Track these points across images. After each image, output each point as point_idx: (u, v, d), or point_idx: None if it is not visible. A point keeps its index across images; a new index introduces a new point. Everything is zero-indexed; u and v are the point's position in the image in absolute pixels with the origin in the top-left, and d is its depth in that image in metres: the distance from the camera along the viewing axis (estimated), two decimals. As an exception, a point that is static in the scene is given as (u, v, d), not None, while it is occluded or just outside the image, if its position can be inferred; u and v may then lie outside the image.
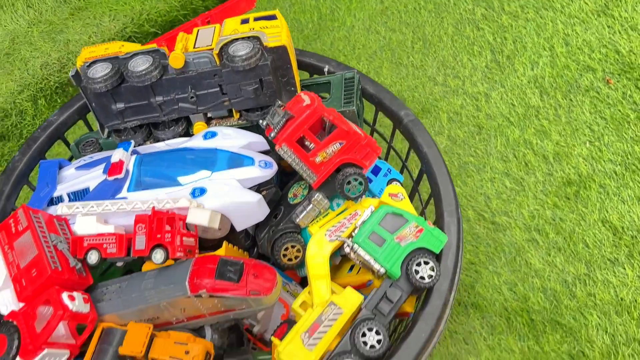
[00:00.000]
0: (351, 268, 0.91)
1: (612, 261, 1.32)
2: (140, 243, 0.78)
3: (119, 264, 0.85)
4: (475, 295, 1.29)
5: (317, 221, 0.88)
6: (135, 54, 0.90)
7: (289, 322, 0.94)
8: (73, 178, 0.94)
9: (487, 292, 1.29)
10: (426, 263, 0.77)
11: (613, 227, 1.36)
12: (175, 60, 0.88)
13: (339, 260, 0.91)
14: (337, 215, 0.88)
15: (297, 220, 0.87)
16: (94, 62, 0.91)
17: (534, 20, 1.81)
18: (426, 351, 0.78)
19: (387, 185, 0.96)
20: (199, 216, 0.80)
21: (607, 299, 1.27)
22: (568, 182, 1.44)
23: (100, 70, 0.89)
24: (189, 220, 0.80)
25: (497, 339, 1.24)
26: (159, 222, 0.79)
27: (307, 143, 0.84)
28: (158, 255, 0.77)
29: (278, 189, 0.95)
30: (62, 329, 0.75)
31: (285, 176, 1.03)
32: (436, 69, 1.73)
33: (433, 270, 0.77)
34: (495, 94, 1.64)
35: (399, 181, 0.97)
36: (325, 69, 1.06)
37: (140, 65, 0.89)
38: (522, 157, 1.50)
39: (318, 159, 0.84)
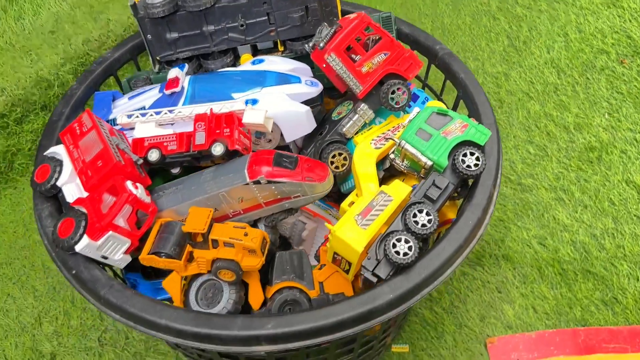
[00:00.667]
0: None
1: (639, 217, 1.35)
2: (200, 138, 0.83)
3: (175, 170, 0.89)
4: (505, 248, 1.31)
5: (361, 133, 0.92)
6: (190, -17, 0.97)
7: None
8: (128, 105, 0.99)
9: (517, 245, 1.31)
10: (472, 154, 0.81)
11: (637, 187, 1.39)
12: (228, -14, 0.94)
13: (382, 176, 0.95)
14: (380, 129, 0.92)
15: (343, 129, 0.91)
16: (151, -6, 0.97)
17: (546, 12, 1.90)
18: (474, 238, 0.80)
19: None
20: (255, 116, 0.84)
21: (637, 251, 1.29)
22: (590, 148, 1.49)
23: (158, -3, 0.96)
24: (244, 119, 0.84)
25: (529, 287, 1.25)
26: (217, 120, 0.84)
27: (353, 56, 0.90)
28: (218, 148, 0.81)
29: (324, 106, 0.99)
30: (125, 212, 0.78)
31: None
32: (456, 52, 1.79)
33: (479, 160, 0.80)
34: (514, 73, 1.70)
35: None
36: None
37: (196, -9, 0.95)
38: (544, 127, 1.55)
39: (364, 69, 0.89)
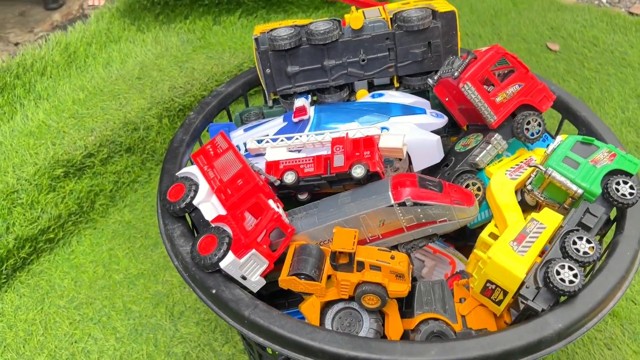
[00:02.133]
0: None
1: None
2: (339, 160, 0.80)
3: (303, 197, 0.86)
4: (609, 304, 1.24)
5: (493, 164, 0.90)
6: (315, 20, 0.99)
7: (462, 272, 0.92)
8: (244, 137, 0.98)
9: (622, 301, 1.25)
10: (625, 182, 0.77)
11: None
12: (356, 20, 0.96)
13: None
14: (512, 160, 0.90)
15: (476, 159, 0.88)
16: (275, 28, 0.99)
17: (615, 75, 1.92)
18: (632, 270, 0.76)
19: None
20: (392, 140, 0.82)
21: None
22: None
23: (284, 31, 0.97)
24: (381, 144, 0.83)
25: (641, 345, 1.17)
26: (355, 143, 0.82)
27: (485, 86, 0.89)
28: (359, 170, 0.79)
29: (448, 139, 0.98)
30: (263, 235, 0.75)
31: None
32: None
33: (633, 188, 0.77)
34: (592, 131, 1.69)
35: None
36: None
37: (322, 26, 0.97)
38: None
39: (498, 99, 0.88)
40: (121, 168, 1.50)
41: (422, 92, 1.01)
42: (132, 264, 1.37)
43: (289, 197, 0.88)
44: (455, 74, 0.87)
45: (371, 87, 1.04)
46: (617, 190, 0.77)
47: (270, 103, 1.05)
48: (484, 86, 0.89)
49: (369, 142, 0.82)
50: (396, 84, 1.03)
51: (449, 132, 1.03)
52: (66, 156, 1.38)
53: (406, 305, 0.80)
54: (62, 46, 1.57)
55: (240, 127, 1.03)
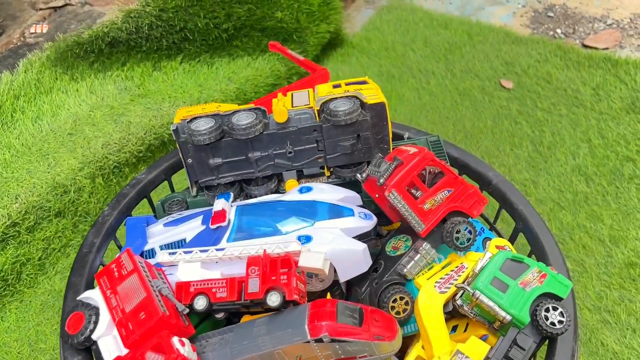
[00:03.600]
0: (453, 329, 0.87)
1: (693, 343, 1.27)
2: (253, 285, 0.75)
3: (220, 316, 0.81)
4: (554, 379, 1.21)
5: (422, 274, 0.85)
6: (238, 111, 0.93)
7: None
8: (162, 233, 0.92)
9: (567, 375, 1.22)
10: (555, 309, 0.74)
11: (687, 309, 1.33)
12: (280, 114, 0.90)
13: (443, 319, 0.87)
14: (442, 268, 0.85)
15: (404, 270, 0.84)
16: (196, 118, 0.92)
17: (567, 116, 1.90)
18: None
19: (482, 243, 0.95)
20: (312, 259, 0.77)
21: (696, 383, 1.20)
22: (630, 264, 1.43)
23: (204, 124, 0.90)
24: (301, 263, 0.77)
25: None
26: (272, 264, 0.76)
27: (413, 191, 0.84)
28: (274, 297, 0.73)
29: (378, 241, 0.93)
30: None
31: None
32: (480, 157, 1.77)
33: (563, 315, 0.73)
34: (542, 180, 1.67)
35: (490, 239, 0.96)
36: (406, 136, 1.09)
37: (244, 119, 0.90)
38: (579, 240, 1.50)
39: (426, 206, 0.83)
40: (51, 234, 1.41)
41: (353, 183, 0.96)
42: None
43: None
44: (381, 180, 0.82)
45: (301, 176, 0.98)
46: (547, 318, 0.73)
47: (194, 192, 0.99)
48: (412, 190, 0.84)
49: (286, 263, 0.76)
50: (327, 173, 0.97)
51: (382, 222, 0.98)
52: (-14, 228, 1.29)
53: None
54: (-14, 101, 1.48)
55: (160, 220, 0.96)
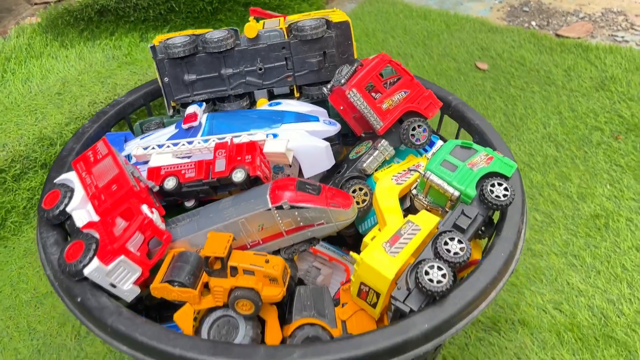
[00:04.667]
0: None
1: (654, 282, 1.31)
2: (220, 165, 0.80)
3: (190, 204, 0.85)
4: (521, 313, 1.25)
5: (381, 170, 0.90)
6: (212, 30, 0.99)
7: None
8: (137, 145, 0.97)
9: (533, 310, 1.26)
10: (500, 184, 0.79)
11: (648, 253, 1.37)
12: (250, 29, 0.96)
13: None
14: (400, 166, 0.91)
15: (364, 165, 0.89)
16: (172, 37, 0.99)
17: (539, 93, 1.97)
18: (507, 271, 0.76)
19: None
20: (276, 145, 0.82)
21: (656, 316, 1.24)
22: (595, 215, 1.48)
23: (180, 39, 0.97)
24: (266, 149, 0.82)
25: (550, 353, 1.18)
26: (238, 148, 0.81)
27: (373, 94, 0.90)
28: (239, 174, 0.78)
29: (341, 146, 0.98)
30: (137, 240, 0.73)
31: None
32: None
33: (507, 190, 0.78)
34: (514, 146, 1.73)
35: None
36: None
37: (217, 34, 0.97)
38: (548, 196, 1.55)
39: (384, 106, 0.89)
40: (36, 184, 1.45)
41: (321, 102, 1.02)
42: (41, 283, 1.32)
43: (176, 205, 0.87)
44: (342, 81, 0.88)
45: (272, 97, 1.04)
46: (492, 192, 0.78)
47: (170, 112, 1.04)
48: (372, 94, 0.90)
49: (251, 147, 0.81)
50: (296, 94, 1.03)
51: (348, 142, 1.03)
52: (-27, 172, 1.33)
53: (288, 312, 0.79)
54: (-21, 62, 1.54)
55: (137, 137, 1.01)
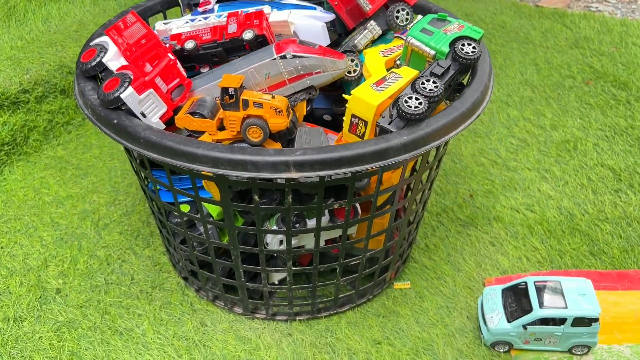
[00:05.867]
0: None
1: (616, 190, 1.46)
2: (232, 28, 0.94)
3: (205, 70, 0.99)
4: (496, 212, 1.40)
5: (370, 48, 1.05)
6: None
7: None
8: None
9: (507, 210, 1.40)
10: (469, 44, 0.93)
11: (612, 169, 1.52)
12: None
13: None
14: (387, 45, 1.05)
15: (355, 42, 1.03)
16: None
17: (518, 49, 2.14)
18: (475, 113, 0.91)
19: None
20: (280, 14, 0.97)
21: (617, 214, 1.38)
22: (566, 140, 1.63)
23: None
24: (270, 19, 0.97)
25: (521, 241, 1.32)
26: (247, 15, 0.96)
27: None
28: (249, 34, 0.93)
29: (335, 33, 1.12)
30: (163, 85, 0.87)
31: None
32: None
33: (475, 48, 0.93)
34: (493, 89, 1.88)
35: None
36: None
37: None
38: (523, 127, 1.70)
39: (373, -8, 1.04)
40: (55, 108, 1.59)
41: (319, 3, 1.16)
42: (61, 189, 1.45)
43: (193, 71, 1.01)
44: (336, -29, 1.03)
45: (275, 3, 1.19)
46: (462, 49, 0.93)
47: (184, 14, 1.18)
48: (362, -16, 1.04)
49: (259, 14, 0.96)
50: (297, -4, 1.18)
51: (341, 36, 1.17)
52: (1, 89, 1.47)
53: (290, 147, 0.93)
54: (1, 1, 1.68)
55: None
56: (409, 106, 0.84)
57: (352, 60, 1.02)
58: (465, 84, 0.99)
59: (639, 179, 1.48)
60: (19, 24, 1.69)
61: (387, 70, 1.01)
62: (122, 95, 0.83)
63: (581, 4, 2.60)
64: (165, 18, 1.26)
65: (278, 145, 0.91)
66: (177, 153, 0.80)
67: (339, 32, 1.15)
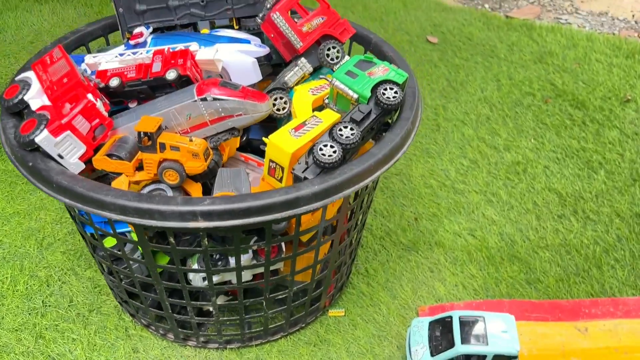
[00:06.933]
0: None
1: (560, 216, 1.48)
2: (156, 67, 0.94)
3: (133, 105, 1.00)
4: (439, 237, 1.41)
5: (300, 85, 1.06)
6: (160, -36, 1.14)
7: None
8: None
9: (449, 235, 1.42)
10: (391, 89, 0.94)
11: (558, 193, 1.54)
12: (193, -36, 1.12)
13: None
14: (317, 82, 1.06)
15: (285, 79, 1.04)
16: (126, -28, 1.14)
17: (482, 63, 2.15)
18: (392, 159, 0.92)
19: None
20: (206, 52, 0.97)
21: (557, 242, 1.41)
22: (517, 162, 1.65)
23: (132, -27, 1.12)
24: (197, 56, 0.97)
25: (459, 268, 1.34)
26: (173, 54, 0.96)
27: (295, 20, 1.05)
28: (172, 74, 0.93)
29: (269, 67, 1.13)
30: (84, 125, 0.88)
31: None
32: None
33: (397, 93, 0.94)
34: (452, 105, 1.89)
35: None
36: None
37: (164, -32, 1.12)
38: (476, 147, 1.72)
39: (305, 29, 1.04)
40: (7, 121, 1.58)
41: (258, 34, 1.17)
42: (8, 205, 1.46)
43: (122, 106, 1.02)
44: (268, 5, 1.04)
45: (213, 28, 1.19)
46: (384, 94, 0.94)
47: (125, 40, 1.18)
48: (294, 19, 1.05)
49: (184, 53, 0.96)
50: (235, 26, 1.18)
51: (277, 72, 1.18)
52: (-51, 103, 1.46)
53: (211, 188, 0.94)
54: (-43, 10, 1.67)
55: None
56: (323, 154, 0.85)
57: (282, 98, 1.03)
58: (391, 122, 1.00)
59: (582, 205, 1.50)
60: (-27, 34, 1.68)
61: (315, 109, 1.02)
62: (36, 139, 0.84)
63: (552, 15, 2.61)
64: (107, 42, 1.26)
65: (198, 187, 0.92)
66: (87, 200, 0.80)
67: (278, 62, 1.15)
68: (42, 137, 0.84)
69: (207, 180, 0.94)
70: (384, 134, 1.00)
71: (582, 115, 1.84)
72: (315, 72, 1.09)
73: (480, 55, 2.20)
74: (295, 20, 1.05)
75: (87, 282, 1.27)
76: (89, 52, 1.22)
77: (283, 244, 1.00)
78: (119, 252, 0.95)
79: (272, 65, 1.16)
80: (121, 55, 1.02)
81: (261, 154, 1.15)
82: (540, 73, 2.08)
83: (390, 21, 2.42)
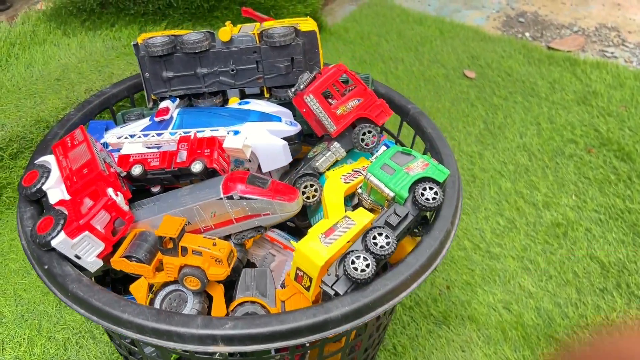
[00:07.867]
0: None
1: (601, 289, 1.39)
2: (182, 156, 0.89)
3: (156, 189, 0.95)
4: (471, 310, 1.34)
5: (333, 170, 0.99)
6: (190, 32, 1.08)
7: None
8: (115, 134, 1.07)
9: (483, 308, 1.34)
10: (431, 189, 0.87)
11: (600, 262, 1.45)
12: (224, 33, 1.05)
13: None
14: (350, 167, 0.99)
15: (316, 164, 0.98)
16: (153, 37, 1.08)
17: (521, 103, 2.05)
18: (430, 266, 0.85)
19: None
20: (234, 141, 0.91)
21: (599, 321, 1.32)
22: (557, 224, 1.56)
23: (159, 39, 1.06)
24: (225, 144, 0.91)
25: (493, 348, 1.27)
26: (199, 142, 0.91)
27: (329, 100, 0.99)
28: (197, 166, 0.88)
29: (300, 145, 1.07)
30: (103, 218, 0.83)
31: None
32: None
33: (437, 194, 0.87)
34: (488, 153, 1.81)
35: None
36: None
37: (193, 37, 1.06)
38: (514, 203, 1.63)
39: (339, 112, 0.97)
40: (31, 163, 1.55)
41: (288, 103, 1.10)
42: (29, 255, 1.42)
43: (145, 190, 0.97)
44: (302, 86, 0.97)
45: (243, 96, 1.13)
46: (422, 195, 0.87)
47: (150, 105, 1.13)
48: (328, 100, 0.98)
49: (211, 142, 0.91)
50: (266, 94, 1.12)
51: (312, 141, 1.12)
52: (-27, 148, 1.44)
53: (234, 290, 0.88)
54: (-15, 45, 1.64)
55: (118, 126, 1.11)
56: (355, 268, 0.79)
57: (312, 186, 0.96)
58: (428, 217, 0.93)
59: (627, 278, 1.41)
60: (0, 70, 1.65)
61: (347, 197, 0.96)
62: (53, 242, 0.79)
63: (596, 47, 2.48)
64: (132, 102, 1.22)
65: (220, 288, 0.86)
66: (103, 314, 0.76)
67: (309, 133, 1.09)
68: (59, 241, 0.79)
69: (229, 280, 0.88)
70: (419, 228, 0.93)
71: (628, 169, 1.73)
72: (349, 151, 1.02)
73: (520, 93, 2.10)
74: (330, 101, 0.98)
75: (105, 347, 1.24)
76: (113, 115, 1.17)
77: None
78: (135, 348, 0.90)
79: (304, 135, 1.10)
80: (145, 134, 0.96)
81: (288, 230, 1.10)
82: (583, 116, 1.98)
83: (425, 52, 2.33)
